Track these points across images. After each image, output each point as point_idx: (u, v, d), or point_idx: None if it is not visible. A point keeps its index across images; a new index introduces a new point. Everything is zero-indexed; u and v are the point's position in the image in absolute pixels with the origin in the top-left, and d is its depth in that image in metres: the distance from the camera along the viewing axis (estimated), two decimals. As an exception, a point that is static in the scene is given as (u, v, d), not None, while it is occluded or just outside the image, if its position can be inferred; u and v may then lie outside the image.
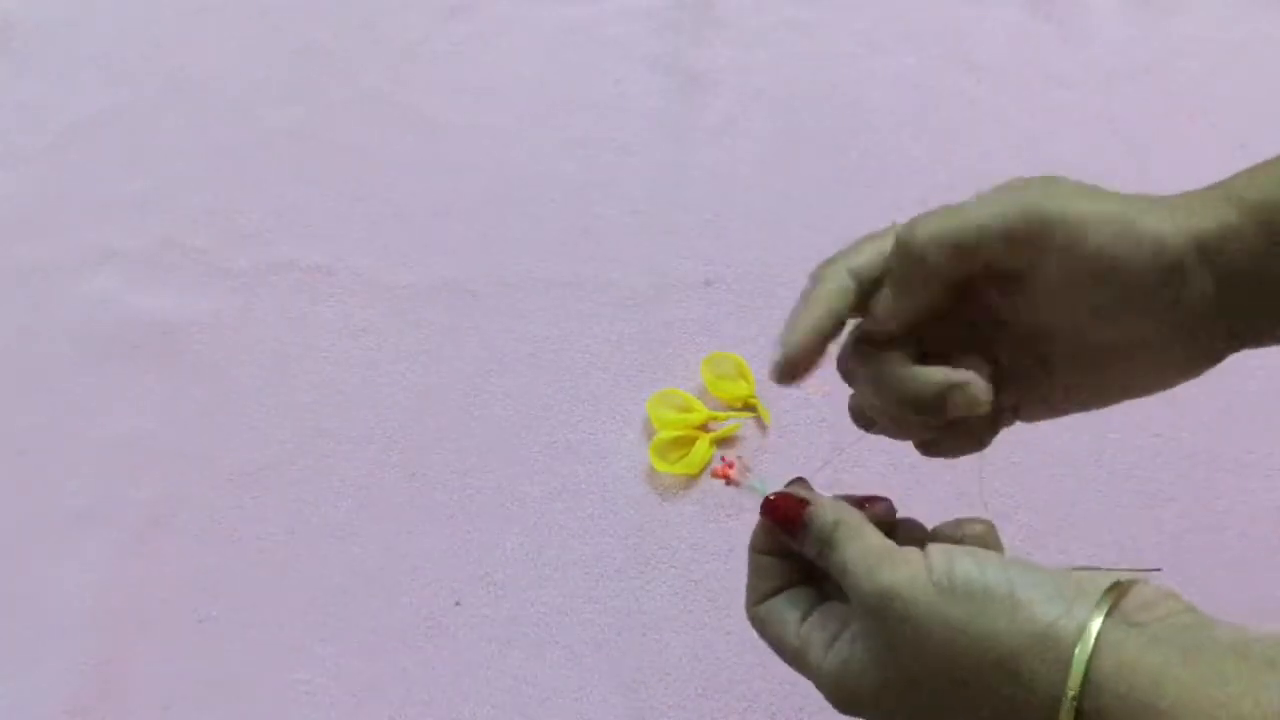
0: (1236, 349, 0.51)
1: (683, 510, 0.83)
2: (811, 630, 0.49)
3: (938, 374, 0.48)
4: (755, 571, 0.51)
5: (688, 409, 0.85)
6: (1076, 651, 0.41)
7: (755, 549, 0.52)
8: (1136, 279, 0.46)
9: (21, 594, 0.81)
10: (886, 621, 0.45)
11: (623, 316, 0.91)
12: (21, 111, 1.06)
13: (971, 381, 0.47)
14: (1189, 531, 0.80)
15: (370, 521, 0.83)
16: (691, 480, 0.84)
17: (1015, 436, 0.81)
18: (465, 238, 0.96)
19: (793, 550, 0.51)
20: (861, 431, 0.52)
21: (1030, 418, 0.53)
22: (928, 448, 0.52)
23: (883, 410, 0.50)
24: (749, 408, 0.86)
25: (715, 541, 0.81)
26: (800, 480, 0.52)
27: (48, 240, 0.98)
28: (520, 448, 0.86)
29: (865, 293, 0.49)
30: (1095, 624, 0.42)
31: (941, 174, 0.99)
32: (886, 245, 0.49)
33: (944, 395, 0.47)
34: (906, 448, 0.51)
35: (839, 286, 0.49)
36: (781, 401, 0.86)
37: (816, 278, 0.50)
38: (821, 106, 1.03)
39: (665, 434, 0.84)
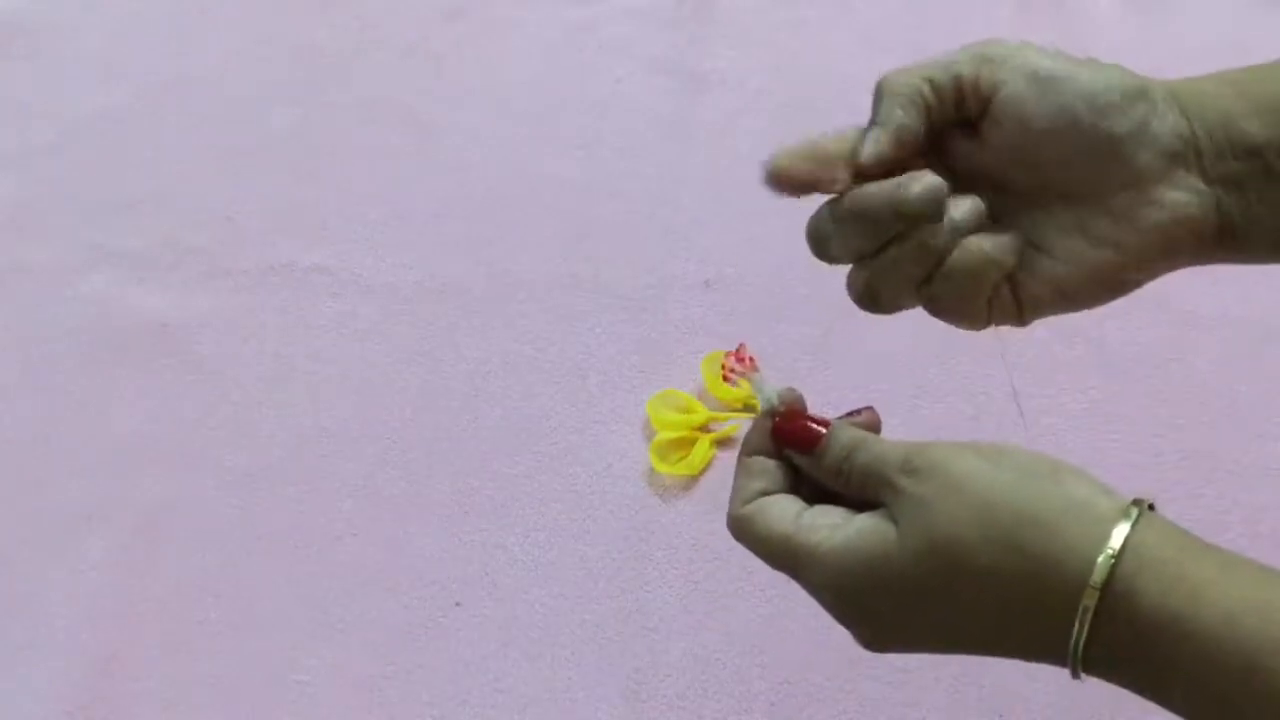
0: (1228, 246, 0.51)
1: (683, 510, 0.83)
2: (815, 517, 0.47)
3: (891, 179, 0.49)
4: (746, 473, 0.49)
5: (688, 410, 0.85)
6: (1119, 521, 0.41)
7: (748, 453, 0.50)
8: (1099, 100, 0.46)
9: (21, 594, 0.81)
10: (930, 484, 0.43)
11: (623, 316, 0.91)
12: (21, 111, 1.06)
13: (925, 171, 0.48)
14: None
15: (370, 521, 0.83)
16: (691, 480, 0.84)
17: (1015, 436, 0.81)
18: (465, 238, 0.96)
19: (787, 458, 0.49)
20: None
21: (1033, 308, 0.50)
22: (933, 304, 0.50)
23: (863, 249, 0.51)
24: (749, 408, 0.86)
25: (715, 541, 0.81)
26: (791, 390, 0.51)
27: (48, 240, 0.98)
28: (520, 448, 0.86)
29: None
30: (1135, 506, 0.42)
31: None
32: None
33: (903, 187, 0.48)
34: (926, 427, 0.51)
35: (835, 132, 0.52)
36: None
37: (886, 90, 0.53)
38: (821, 106, 1.03)
39: (665, 435, 0.84)
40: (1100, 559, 0.40)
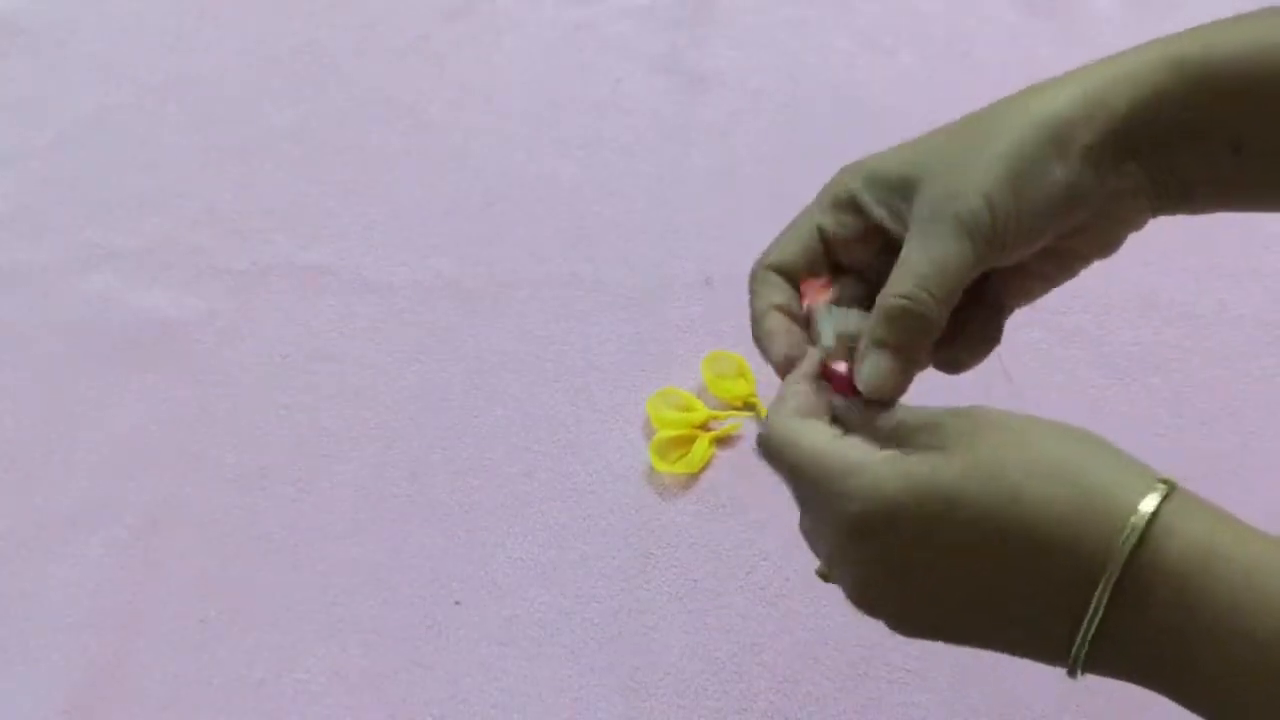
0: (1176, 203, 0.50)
1: (683, 510, 0.83)
2: (858, 441, 0.45)
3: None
4: (794, 395, 0.48)
5: (688, 408, 0.85)
6: (1160, 480, 0.40)
7: (799, 379, 0.49)
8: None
9: (21, 594, 0.81)
10: (977, 420, 0.42)
11: (623, 316, 0.91)
12: (21, 111, 1.06)
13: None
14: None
15: (370, 521, 0.83)
16: (691, 479, 0.84)
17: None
18: (465, 238, 0.96)
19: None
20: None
21: (1018, 304, 0.53)
22: (945, 366, 0.52)
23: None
24: (749, 407, 0.86)
25: (715, 541, 0.81)
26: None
27: (48, 240, 0.98)
28: (520, 448, 0.86)
29: (793, 277, 0.52)
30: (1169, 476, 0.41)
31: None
32: (804, 233, 0.51)
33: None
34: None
35: (777, 289, 0.52)
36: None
37: (752, 282, 0.53)
38: (821, 106, 1.03)
39: (665, 433, 0.84)
40: (1150, 494, 0.40)
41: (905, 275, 0.46)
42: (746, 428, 0.85)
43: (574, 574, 0.80)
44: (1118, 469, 0.42)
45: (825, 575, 0.47)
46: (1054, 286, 0.53)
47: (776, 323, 0.51)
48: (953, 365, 0.52)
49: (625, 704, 0.76)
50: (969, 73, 1.05)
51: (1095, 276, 0.93)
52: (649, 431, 0.86)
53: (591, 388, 0.88)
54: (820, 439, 0.45)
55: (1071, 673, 0.41)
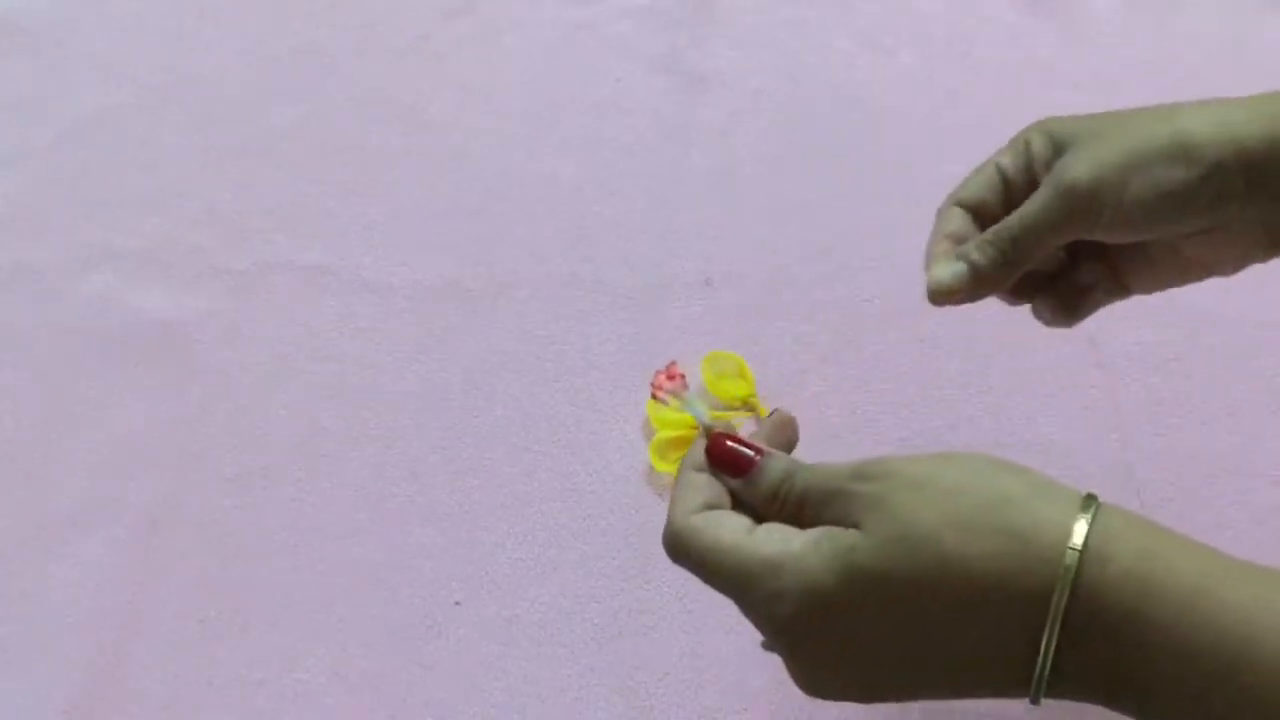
0: None
1: (683, 510, 0.83)
2: (770, 531, 0.44)
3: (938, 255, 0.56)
4: (689, 486, 0.47)
5: (689, 441, 0.85)
6: (1081, 502, 0.40)
7: (691, 468, 0.48)
8: (1179, 195, 0.51)
9: (21, 594, 0.81)
10: (887, 484, 0.42)
11: (623, 316, 0.91)
12: (21, 111, 1.06)
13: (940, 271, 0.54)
14: (1189, 532, 0.80)
15: (370, 521, 0.83)
16: (691, 480, 0.84)
17: (1016, 434, 0.81)
18: (465, 238, 0.96)
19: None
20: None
21: (1139, 290, 0.59)
22: (1038, 311, 0.61)
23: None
24: (749, 407, 0.86)
25: (715, 541, 0.81)
26: (778, 412, 0.51)
27: (48, 240, 0.98)
28: (520, 448, 0.86)
29: (977, 215, 0.57)
30: (1091, 493, 0.41)
31: (941, 174, 0.99)
32: (988, 172, 0.57)
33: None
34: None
35: (954, 220, 0.57)
36: (781, 401, 0.86)
37: (938, 215, 0.58)
38: (821, 106, 1.03)
39: (665, 434, 0.84)
40: (1078, 522, 0.39)
41: (1002, 224, 0.54)
42: (746, 428, 0.85)
43: (574, 574, 0.80)
44: (1037, 500, 0.41)
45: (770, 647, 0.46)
46: (1175, 284, 0.58)
47: (942, 248, 0.56)
48: (1037, 310, 0.60)
49: (625, 704, 0.76)
50: (969, 73, 1.05)
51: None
52: (649, 431, 0.86)
53: (591, 388, 0.88)
54: (731, 535, 0.44)
55: (1034, 701, 0.41)
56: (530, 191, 0.99)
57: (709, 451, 0.48)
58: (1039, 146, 0.55)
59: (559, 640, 0.78)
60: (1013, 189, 0.56)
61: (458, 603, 0.80)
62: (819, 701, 0.75)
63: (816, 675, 0.44)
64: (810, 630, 0.42)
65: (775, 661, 0.77)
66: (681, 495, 0.47)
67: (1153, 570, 0.39)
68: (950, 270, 0.54)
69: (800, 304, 0.92)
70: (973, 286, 0.54)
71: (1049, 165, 0.54)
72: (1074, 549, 0.39)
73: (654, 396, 0.54)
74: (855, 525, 0.42)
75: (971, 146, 1.01)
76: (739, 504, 0.48)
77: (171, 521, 0.84)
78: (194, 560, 0.82)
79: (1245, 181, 0.51)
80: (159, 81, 1.07)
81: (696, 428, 0.85)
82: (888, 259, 0.92)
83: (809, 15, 1.09)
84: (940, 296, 0.54)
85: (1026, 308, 0.83)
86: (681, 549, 0.46)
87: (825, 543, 0.42)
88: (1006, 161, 0.56)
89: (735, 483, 0.47)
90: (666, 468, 0.83)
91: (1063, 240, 0.53)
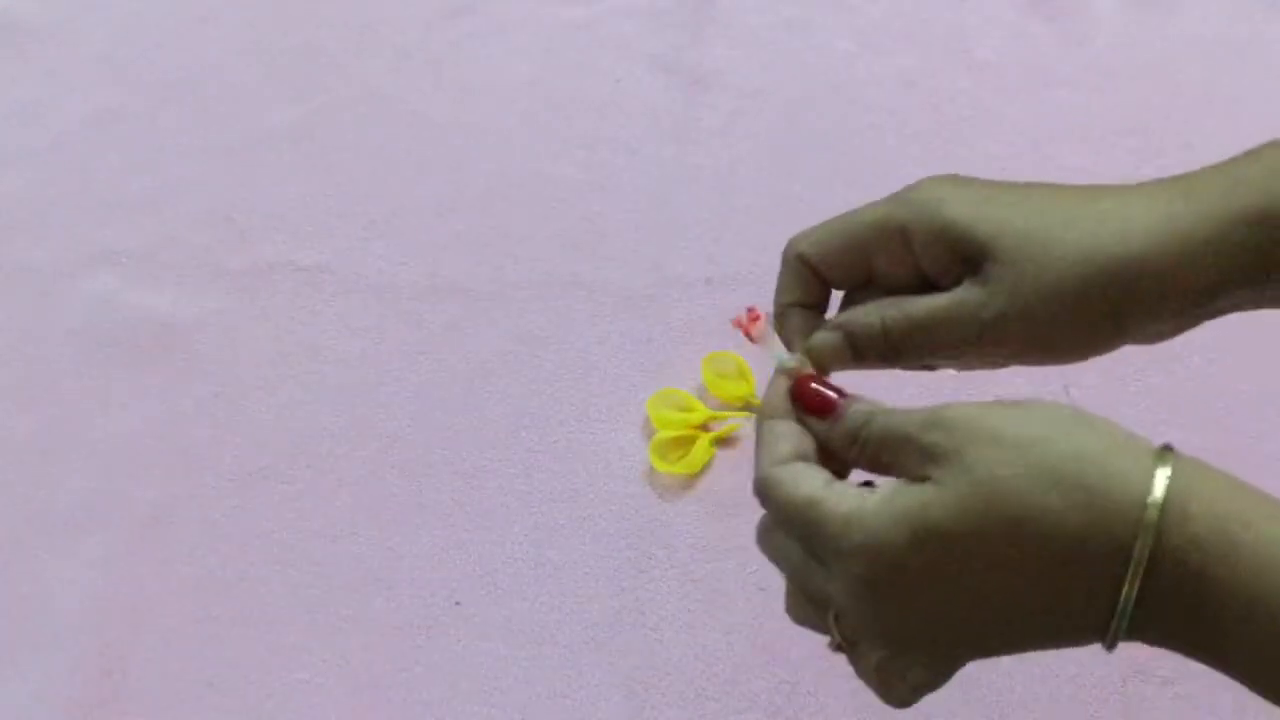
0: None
1: (683, 510, 0.83)
2: (846, 487, 0.44)
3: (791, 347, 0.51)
4: (770, 435, 0.47)
5: (688, 409, 0.85)
6: (1161, 454, 0.40)
7: (768, 415, 0.48)
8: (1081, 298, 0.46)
9: (21, 594, 0.81)
10: (960, 434, 0.41)
11: (623, 316, 0.91)
12: (21, 111, 1.06)
13: (798, 356, 0.50)
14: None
15: (370, 521, 0.83)
16: (691, 480, 0.84)
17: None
18: (465, 238, 0.96)
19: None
20: None
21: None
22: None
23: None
24: (749, 407, 0.86)
25: (715, 541, 0.81)
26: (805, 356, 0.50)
27: (48, 240, 0.98)
28: (520, 448, 0.86)
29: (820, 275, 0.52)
30: (1167, 444, 0.40)
31: (941, 174, 0.99)
32: (845, 254, 0.51)
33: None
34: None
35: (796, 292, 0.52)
36: (781, 401, 0.86)
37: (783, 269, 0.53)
38: (821, 106, 1.03)
39: (665, 434, 0.84)
40: (1157, 477, 0.39)
41: (897, 314, 0.48)
42: (746, 428, 0.85)
43: (574, 574, 0.80)
44: (1115, 455, 0.40)
45: (840, 644, 0.46)
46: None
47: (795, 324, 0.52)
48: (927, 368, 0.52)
49: (625, 704, 0.76)
50: (969, 73, 1.05)
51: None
52: (649, 431, 0.86)
53: (591, 388, 0.88)
54: (813, 487, 0.44)
55: (1109, 648, 0.41)
56: (530, 191, 0.99)
57: (795, 393, 0.48)
58: (930, 251, 0.48)
59: (559, 640, 0.78)
60: (877, 271, 0.50)
61: (458, 603, 0.80)
62: (819, 703, 0.75)
63: (890, 637, 0.44)
64: (882, 588, 0.42)
65: (775, 662, 0.77)
66: (767, 444, 0.47)
67: (1229, 529, 0.38)
68: (827, 340, 0.49)
69: (800, 304, 0.91)
70: (852, 363, 0.50)
71: (951, 272, 0.47)
72: (1154, 504, 0.39)
73: (747, 337, 0.54)
74: (927, 478, 0.41)
75: (972, 147, 1.02)
76: (821, 449, 0.47)
77: (171, 521, 0.84)
78: (194, 560, 0.82)
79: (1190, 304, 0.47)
80: (159, 81, 1.07)
81: (699, 426, 0.85)
82: (888, 259, 0.92)
83: (809, 15, 1.09)
84: (817, 366, 0.50)
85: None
86: (764, 497, 0.46)
87: (898, 499, 0.41)
88: (874, 246, 0.49)
89: (819, 425, 0.47)
90: (666, 467, 0.83)
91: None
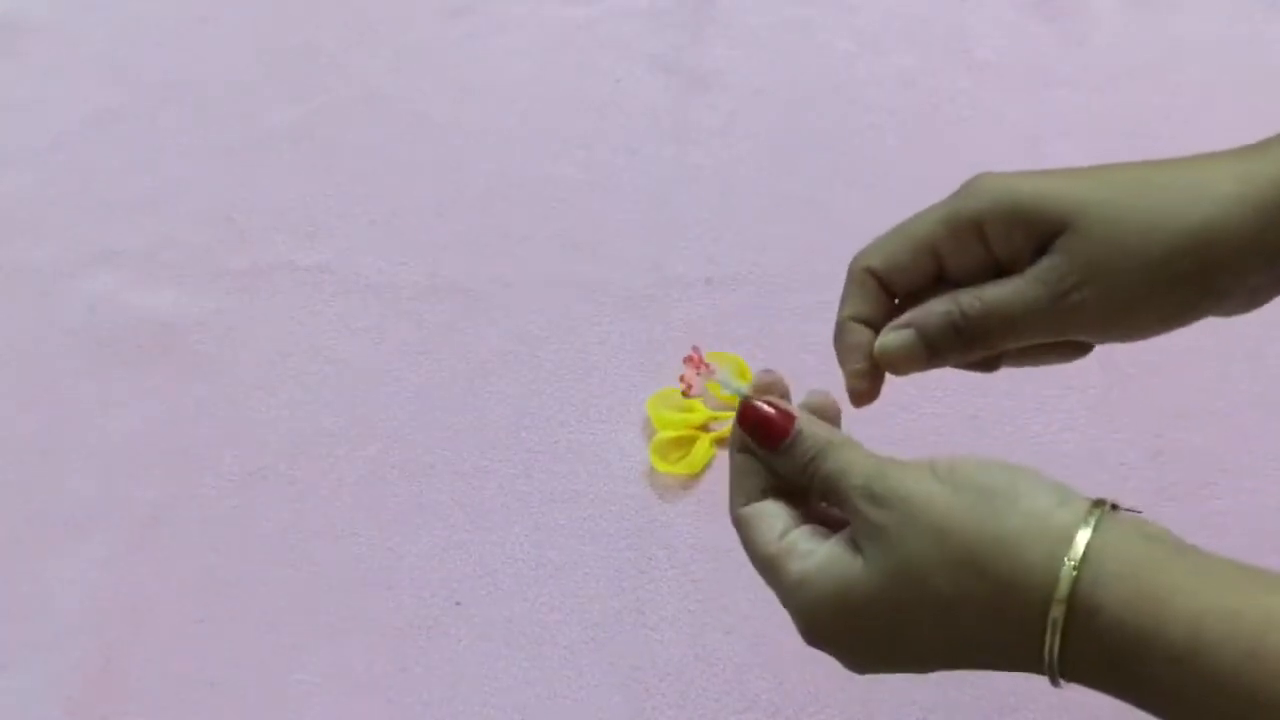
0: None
1: (683, 510, 0.83)
2: (797, 540, 0.46)
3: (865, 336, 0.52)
4: (740, 472, 0.49)
5: (688, 409, 0.85)
6: (1079, 529, 0.40)
7: (738, 449, 0.49)
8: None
9: (21, 594, 0.81)
10: (889, 512, 0.43)
11: (623, 316, 0.91)
12: (21, 111, 1.06)
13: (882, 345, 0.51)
14: (1189, 532, 0.80)
15: (370, 521, 0.83)
16: (691, 480, 0.84)
17: (1013, 434, 0.81)
18: (465, 238, 0.96)
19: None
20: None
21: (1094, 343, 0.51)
22: (989, 365, 0.52)
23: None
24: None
25: (715, 541, 0.81)
26: (768, 373, 0.51)
27: (48, 240, 0.98)
28: (520, 448, 0.86)
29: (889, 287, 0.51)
30: (1095, 511, 0.41)
31: (941, 174, 0.99)
32: (915, 252, 0.51)
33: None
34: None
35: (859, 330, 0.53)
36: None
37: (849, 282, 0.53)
38: (821, 106, 1.03)
39: (665, 434, 0.84)
40: (1063, 572, 0.40)
41: (973, 302, 0.48)
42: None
43: (574, 574, 0.80)
44: (1030, 543, 0.41)
45: None
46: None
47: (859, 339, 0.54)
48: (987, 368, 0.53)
49: (625, 704, 0.76)
50: (969, 73, 1.05)
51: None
52: (649, 432, 0.86)
53: (591, 388, 0.88)
54: (770, 539, 0.47)
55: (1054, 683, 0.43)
56: (530, 191, 0.99)
57: (739, 419, 0.49)
58: (1005, 236, 0.48)
59: (559, 640, 0.78)
60: (949, 269, 0.50)
61: (458, 603, 0.80)
62: (819, 703, 0.75)
63: (850, 665, 0.47)
64: (829, 638, 0.45)
65: (775, 662, 0.77)
66: (734, 482, 0.49)
67: (1140, 624, 0.39)
68: (898, 338, 0.50)
69: (800, 304, 0.92)
70: (925, 360, 0.50)
71: (1025, 254, 0.48)
72: (1060, 601, 0.40)
73: (684, 394, 0.54)
74: (859, 549, 0.44)
75: (972, 147, 1.02)
76: (778, 489, 0.49)
77: (171, 521, 0.84)
78: (194, 560, 0.82)
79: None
80: (159, 81, 1.07)
81: (699, 426, 0.85)
82: (888, 259, 0.92)
83: (809, 15, 1.09)
84: (888, 367, 0.51)
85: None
86: (739, 534, 0.49)
87: (832, 569, 0.44)
88: (945, 245, 0.49)
89: (770, 458, 0.48)
90: (667, 468, 0.83)
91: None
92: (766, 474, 0.49)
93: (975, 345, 0.49)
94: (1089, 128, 1.02)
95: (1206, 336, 0.89)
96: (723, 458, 0.84)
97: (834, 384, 0.89)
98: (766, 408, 0.49)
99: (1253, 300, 0.49)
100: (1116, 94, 1.04)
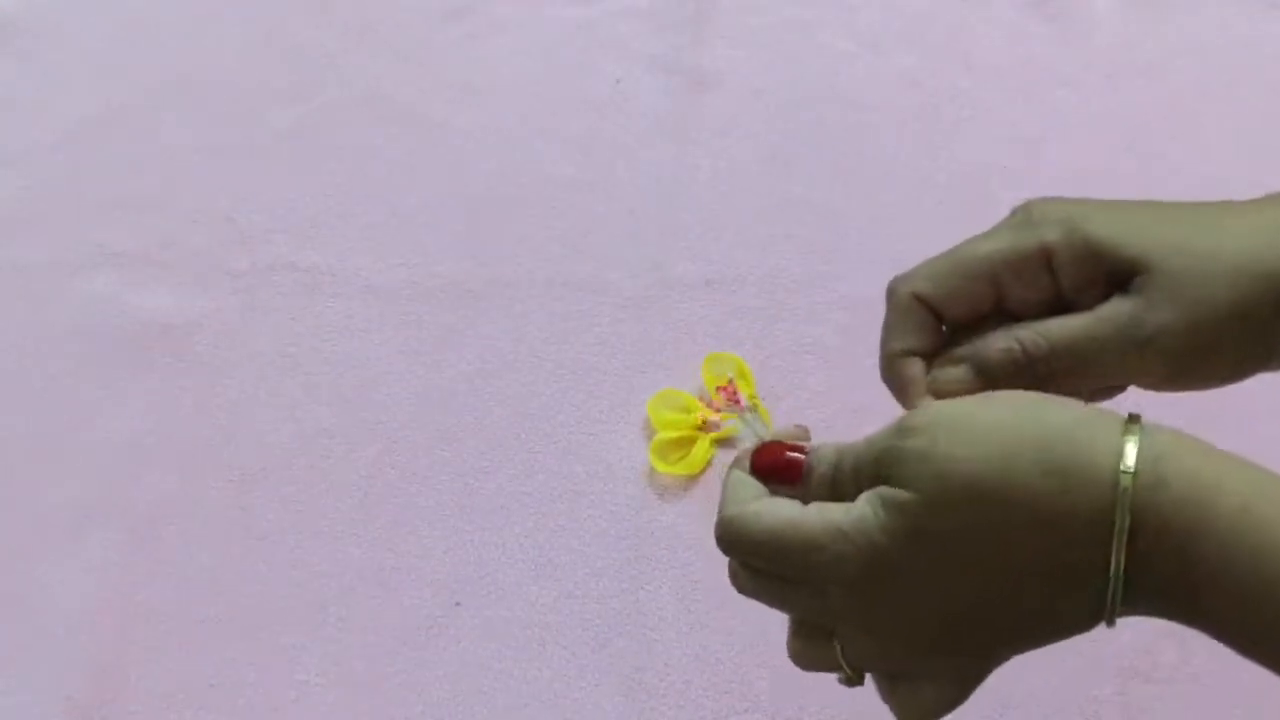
0: None
1: (683, 510, 0.83)
2: (823, 506, 0.43)
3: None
4: (739, 482, 0.46)
5: (688, 409, 0.85)
6: (1124, 422, 0.40)
7: (739, 468, 0.47)
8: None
9: (21, 594, 0.81)
10: (928, 433, 0.41)
11: (623, 316, 0.91)
12: (21, 111, 1.06)
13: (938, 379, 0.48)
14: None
15: (370, 521, 0.83)
16: (691, 480, 0.84)
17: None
18: (465, 238, 0.96)
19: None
20: None
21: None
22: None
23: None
24: (750, 408, 0.86)
25: (715, 541, 0.81)
26: (799, 428, 0.48)
27: (48, 240, 0.98)
28: (520, 448, 0.86)
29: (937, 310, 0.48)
30: (1132, 418, 0.41)
31: (942, 174, 0.99)
32: (970, 287, 0.48)
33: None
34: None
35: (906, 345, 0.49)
36: (781, 401, 0.86)
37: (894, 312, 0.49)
38: (821, 106, 1.03)
39: (665, 434, 0.84)
40: (1126, 448, 0.39)
41: (1041, 336, 0.46)
42: (746, 430, 0.85)
43: (574, 575, 0.80)
44: (1082, 429, 0.40)
45: (850, 677, 0.46)
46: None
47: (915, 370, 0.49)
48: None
49: (625, 704, 0.76)
50: (969, 73, 1.05)
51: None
52: (649, 432, 0.86)
53: (591, 388, 0.88)
54: (789, 510, 0.44)
55: (1109, 624, 0.41)
56: (530, 191, 0.99)
57: (758, 463, 0.47)
58: (1075, 270, 0.46)
59: (559, 640, 0.78)
60: (1007, 300, 0.47)
61: (458, 603, 0.80)
62: (819, 703, 0.75)
63: (891, 652, 0.44)
64: (879, 592, 0.42)
65: (775, 662, 0.77)
66: (729, 490, 0.46)
67: (1204, 490, 0.39)
68: (956, 375, 0.47)
69: (800, 304, 0.91)
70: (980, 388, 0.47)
71: (1096, 291, 0.46)
72: (1127, 472, 0.39)
73: (705, 415, 0.54)
74: (905, 483, 0.41)
75: (972, 147, 1.02)
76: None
77: (171, 521, 0.84)
78: (194, 560, 0.82)
79: None
80: (159, 81, 1.07)
81: (699, 427, 0.85)
82: (888, 259, 0.92)
83: (809, 15, 1.09)
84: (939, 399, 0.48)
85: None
86: (735, 536, 0.45)
87: (880, 503, 0.42)
88: (1006, 274, 0.47)
89: (795, 491, 0.46)
90: (667, 468, 0.83)
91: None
92: (766, 491, 0.46)
93: (1036, 384, 0.46)
94: (1089, 128, 1.01)
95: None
96: (723, 457, 0.84)
97: (834, 384, 0.89)
98: (780, 449, 0.47)
99: None
100: (1116, 94, 1.04)
